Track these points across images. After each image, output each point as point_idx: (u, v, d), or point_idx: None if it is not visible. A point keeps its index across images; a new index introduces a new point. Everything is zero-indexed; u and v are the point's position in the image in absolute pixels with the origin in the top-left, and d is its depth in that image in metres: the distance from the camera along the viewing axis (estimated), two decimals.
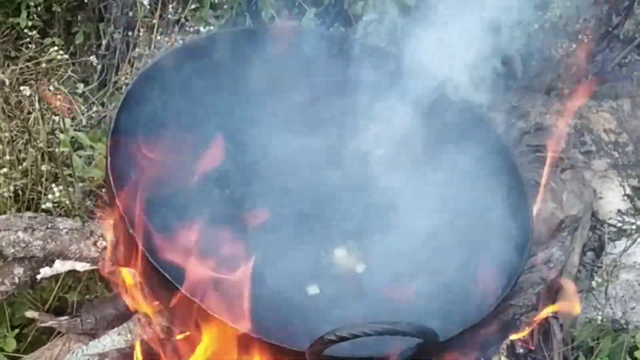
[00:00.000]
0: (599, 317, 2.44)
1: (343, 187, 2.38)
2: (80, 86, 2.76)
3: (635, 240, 2.53)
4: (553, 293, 2.40)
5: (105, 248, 2.10)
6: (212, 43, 2.24)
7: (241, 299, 1.81)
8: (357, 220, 2.33)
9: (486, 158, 2.22)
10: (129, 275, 2.11)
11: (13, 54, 3.00)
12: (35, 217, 2.10)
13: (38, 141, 2.30)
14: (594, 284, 2.41)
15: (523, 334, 2.24)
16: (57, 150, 2.24)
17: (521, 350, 2.29)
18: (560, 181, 2.60)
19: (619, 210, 2.62)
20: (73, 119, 2.45)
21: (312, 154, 2.38)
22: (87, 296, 2.34)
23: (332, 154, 2.41)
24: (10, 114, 2.63)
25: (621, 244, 2.54)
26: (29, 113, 2.59)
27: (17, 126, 2.58)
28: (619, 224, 2.60)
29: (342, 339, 1.61)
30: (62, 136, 2.18)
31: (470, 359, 2.13)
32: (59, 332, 2.28)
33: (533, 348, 2.36)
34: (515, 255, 2.01)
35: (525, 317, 2.28)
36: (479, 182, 2.20)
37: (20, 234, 2.06)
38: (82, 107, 2.63)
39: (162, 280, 1.79)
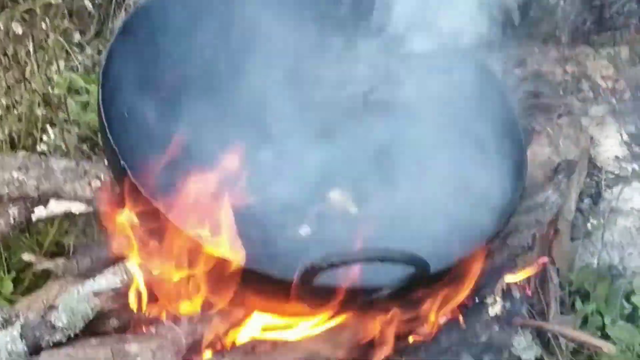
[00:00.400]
0: (596, 263, 2.44)
1: (345, 131, 2.37)
2: (77, 36, 2.76)
3: (632, 185, 2.54)
4: (549, 236, 2.40)
5: (99, 188, 2.10)
6: None
7: (231, 232, 1.82)
8: (355, 164, 2.32)
9: (482, 102, 2.21)
10: (124, 216, 2.12)
11: (10, 4, 2.99)
12: (29, 157, 2.10)
13: (33, 84, 2.29)
14: (589, 227, 2.41)
15: (519, 276, 2.24)
16: (52, 92, 2.23)
17: (518, 295, 2.28)
18: (557, 127, 2.59)
19: (617, 157, 2.61)
20: (68, 63, 2.45)
21: (315, 96, 2.37)
22: (84, 240, 2.33)
23: (336, 99, 2.39)
24: (7, 65, 2.63)
25: (618, 190, 2.54)
26: (26, 63, 2.59)
27: (14, 77, 2.58)
28: (616, 171, 2.59)
29: (332, 265, 1.61)
30: (56, 77, 2.18)
31: (464, 296, 2.14)
32: (55, 276, 2.28)
33: (530, 293, 2.36)
34: (509, 194, 2.01)
35: (521, 258, 2.28)
36: (474, 126, 2.19)
37: (14, 173, 2.06)
38: (78, 56, 2.63)
39: (156, 215, 1.78)
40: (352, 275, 1.68)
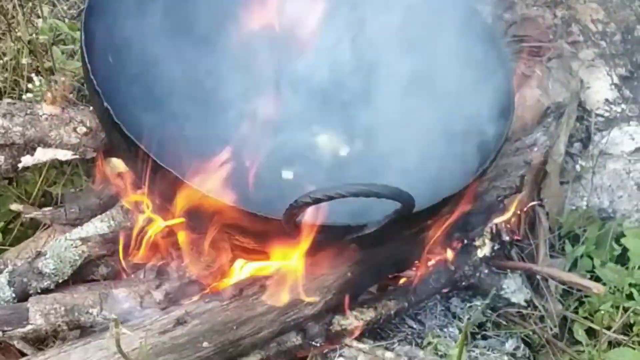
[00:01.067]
0: (585, 206, 2.44)
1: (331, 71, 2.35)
2: None
3: (622, 128, 2.53)
4: (538, 180, 2.40)
5: (85, 134, 2.09)
6: None
7: (220, 172, 1.81)
8: (342, 103, 2.32)
9: (470, 45, 2.19)
10: (114, 164, 2.12)
11: None
12: (14, 104, 2.09)
13: (17, 31, 2.27)
14: (579, 170, 2.41)
15: (507, 215, 2.24)
16: (36, 38, 2.21)
17: (507, 238, 2.28)
18: (546, 69, 2.57)
19: (607, 100, 2.60)
20: (53, 10, 2.42)
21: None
22: (71, 188, 2.32)
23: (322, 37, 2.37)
24: None
25: (608, 133, 2.53)
26: (13, 17, 2.56)
27: (1, 29, 2.56)
28: (607, 114, 2.58)
29: (317, 200, 1.60)
30: (41, 23, 2.16)
31: (452, 236, 2.14)
32: (44, 226, 2.27)
33: (519, 236, 2.36)
34: (495, 132, 2.00)
35: (509, 200, 2.27)
36: (464, 64, 2.17)
37: None
38: (64, 6, 2.60)
39: (142, 157, 1.77)
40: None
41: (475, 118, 2.05)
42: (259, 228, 1.75)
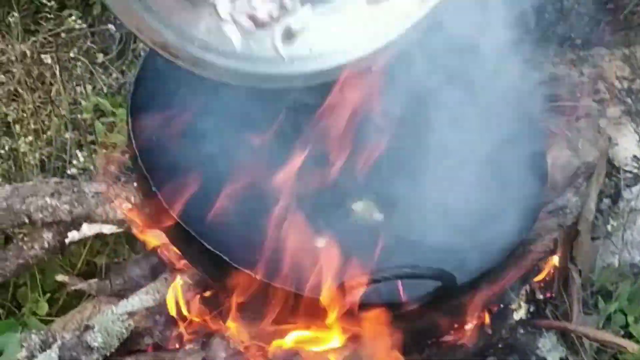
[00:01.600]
0: (617, 262, 2.47)
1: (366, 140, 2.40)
2: (100, 56, 2.82)
3: None
4: (570, 239, 2.44)
5: (130, 210, 2.15)
6: None
7: (260, 248, 1.87)
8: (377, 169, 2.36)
9: (501, 109, 2.24)
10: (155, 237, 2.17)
11: (33, 27, 3.05)
12: (61, 182, 2.16)
13: (61, 109, 2.35)
14: (609, 228, 2.45)
15: (541, 276, 2.28)
16: (79, 117, 2.29)
17: (541, 297, 2.32)
18: (575, 129, 2.62)
19: (635, 156, 2.65)
20: (94, 87, 2.50)
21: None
22: (115, 259, 2.39)
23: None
24: (33, 86, 2.69)
25: (637, 189, 2.57)
26: (51, 85, 2.65)
27: (40, 97, 2.64)
28: (635, 170, 2.62)
29: (360, 284, 1.65)
30: (84, 103, 2.24)
31: (490, 303, 2.17)
32: (89, 295, 2.33)
33: (553, 295, 2.39)
34: (531, 201, 2.05)
35: (544, 262, 2.31)
36: (497, 133, 2.21)
37: (47, 199, 2.12)
38: (103, 77, 2.69)
39: (188, 237, 1.84)
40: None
41: (510, 186, 2.10)
42: (300, 305, 1.80)
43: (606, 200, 2.60)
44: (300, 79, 1.95)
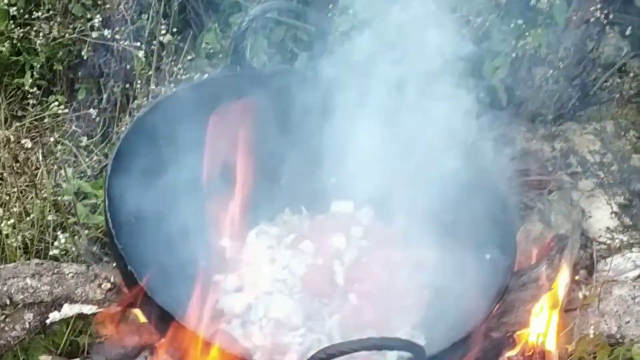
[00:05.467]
0: (593, 332, 2.49)
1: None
2: (84, 139, 2.88)
3: (625, 255, 2.61)
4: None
5: (109, 290, 2.19)
6: (201, 90, 2.36)
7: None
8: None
9: (473, 184, 2.29)
10: (135, 314, 2.21)
11: (20, 113, 3.13)
12: (41, 264, 2.20)
13: (43, 192, 2.41)
14: (585, 297, 2.48)
15: (516, 349, 2.30)
16: (61, 199, 2.34)
17: None
18: (547, 202, 2.67)
19: (608, 228, 2.69)
20: (77, 169, 2.56)
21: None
22: (97, 338, 2.41)
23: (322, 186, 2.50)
24: (19, 170, 2.75)
25: (612, 260, 2.61)
26: (36, 169, 2.71)
27: (25, 181, 2.70)
28: (609, 241, 2.67)
29: (332, 356, 1.68)
30: (65, 185, 2.29)
31: None
32: None
33: None
34: (500, 274, 2.09)
35: (518, 334, 2.34)
36: (466, 206, 2.27)
37: (28, 280, 2.16)
38: (86, 159, 2.75)
39: (165, 317, 1.88)
40: None
41: (480, 258, 2.15)
42: None
43: (582, 272, 2.63)
44: None
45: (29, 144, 2.49)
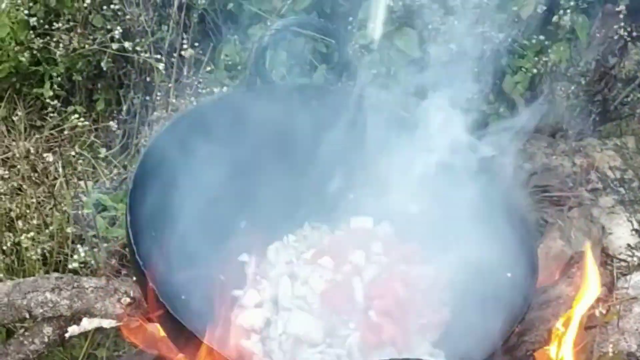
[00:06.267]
0: (612, 350, 2.48)
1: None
2: (103, 151, 2.89)
3: None
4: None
5: (129, 304, 2.19)
6: (222, 104, 2.37)
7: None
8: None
9: (494, 200, 2.29)
10: (155, 329, 2.21)
11: (38, 123, 3.14)
12: (61, 278, 2.20)
13: (63, 205, 2.41)
14: (602, 315, 2.47)
15: None
16: (81, 212, 2.34)
17: None
18: (567, 219, 2.66)
19: (628, 245, 2.68)
20: (96, 181, 2.57)
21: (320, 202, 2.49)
22: (115, 352, 2.42)
23: (341, 202, 2.50)
24: (37, 181, 2.75)
25: (632, 278, 2.60)
26: (55, 179, 2.72)
27: (44, 192, 2.70)
28: (629, 259, 2.66)
29: None
30: (85, 199, 2.29)
31: None
32: None
33: None
34: (521, 293, 2.08)
35: (538, 353, 2.33)
36: (486, 223, 2.26)
37: (47, 294, 2.16)
38: (105, 171, 2.75)
39: (184, 332, 1.88)
40: None
41: (501, 276, 2.14)
42: None
43: (602, 289, 2.62)
44: None
45: (50, 158, 2.49)
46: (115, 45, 2.96)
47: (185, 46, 2.83)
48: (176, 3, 2.97)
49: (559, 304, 2.40)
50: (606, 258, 2.67)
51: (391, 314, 2.23)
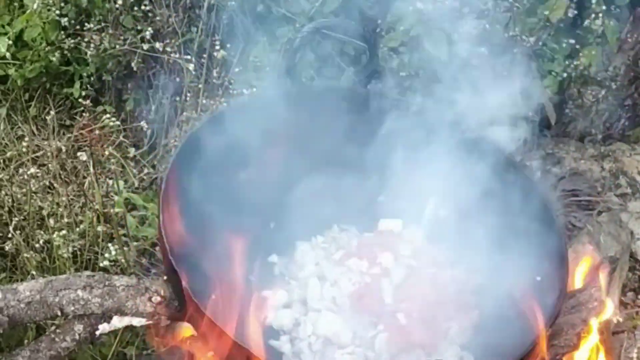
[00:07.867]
0: (636, 356, 2.48)
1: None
2: (132, 150, 2.91)
3: None
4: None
5: (159, 303, 2.20)
6: (254, 105, 2.38)
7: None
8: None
9: (524, 205, 2.29)
10: (185, 329, 2.22)
11: (68, 122, 3.17)
12: (93, 276, 2.21)
13: (94, 203, 2.43)
14: (633, 320, 2.47)
15: None
16: (111, 211, 2.36)
17: None
18: (596, 224, 2.66)
19: None
20: (126, 181, 2.58)
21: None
22: (145, 350, 2.43)
23: (370, 204, 2.50)
24: (67, 180, 2.77)
25: None
26: (84, 178, 2.74)
27: (74, 190, 2.72)
28: None
29: None
30: (116, 198, 2.31)
31: None
32: None
33: None
34: (552, 296, 2.08)
35: (567, 357, 2.33)
36: (515, 227, 2.26)
37: (79, 292, 2.17)
38: (134, 170, 2.77)
39: (215, 330, 1.89)
40: None
41: (531, 280, 2.14)
42: None
43: (630, 294, 2.62)
44: None
45: (84, 157, 2.51)
46: (145, 46, 2.98)
47: (217, 47, 2.84)
48: (206, 5, 2.98)
49: (587, 308, 2.40)
50: (635, 263, 2.67)
51: (420, 317, 2.23)
